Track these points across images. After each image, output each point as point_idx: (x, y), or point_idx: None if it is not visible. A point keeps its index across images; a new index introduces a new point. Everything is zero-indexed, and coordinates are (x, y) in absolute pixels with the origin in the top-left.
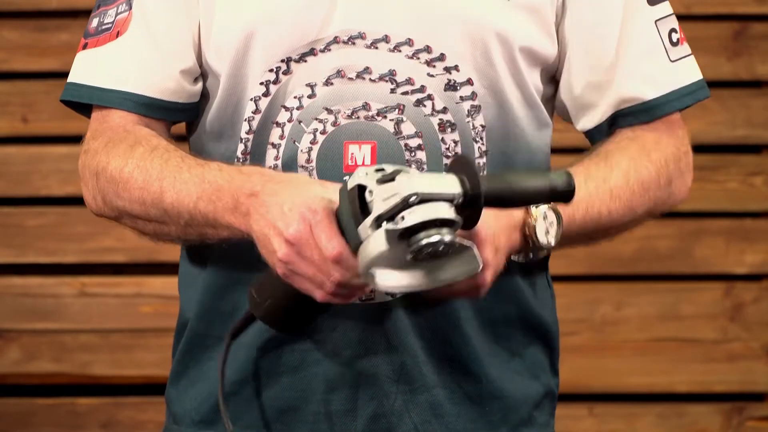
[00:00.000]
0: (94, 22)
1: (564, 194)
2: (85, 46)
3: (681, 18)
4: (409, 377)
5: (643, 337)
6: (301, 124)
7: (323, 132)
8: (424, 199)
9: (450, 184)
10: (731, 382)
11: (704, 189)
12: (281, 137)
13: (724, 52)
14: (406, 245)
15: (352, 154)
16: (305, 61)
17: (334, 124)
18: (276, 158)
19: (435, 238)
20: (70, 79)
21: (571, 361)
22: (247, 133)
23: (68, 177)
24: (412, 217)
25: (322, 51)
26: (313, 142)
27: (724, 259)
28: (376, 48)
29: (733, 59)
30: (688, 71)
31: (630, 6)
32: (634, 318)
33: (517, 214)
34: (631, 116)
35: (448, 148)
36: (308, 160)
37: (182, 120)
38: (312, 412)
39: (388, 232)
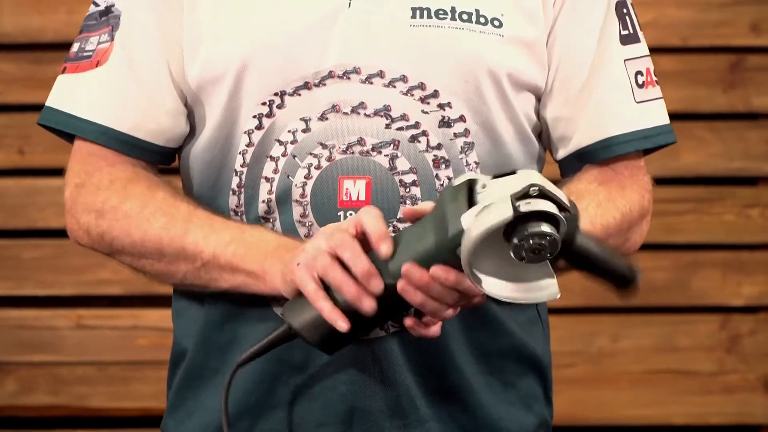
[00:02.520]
0: (75, 47)
1: (626, 282)
2: (64, 70)
3: (677, 50)
4: (403, 412)
5: (639, 369)
6: (296, 158)
7: (318, 167)
8: (542, 193)
9: (562, 194)
10: (728, 414)
11: (700, 221)
12: (275, 171)
13: (720, 84)
14: (514, 240)
15: (347, 189)
16: (299, 94)
17: (329, 159)
18: (269, 192)
19: (547, 229)
20: (48, 102)
21: (568, 393)
22: (242, 166)
23: (65, 209)
24: (532, 205)
25: (317, 85)
26: (308, 176)
27: (721, 291)
28: (371, 83)
29: (729, 91)
30: (652, 114)
31: (603, 43)
32: (630, 350)
33: None
34: (592, 153)
35: (442, 185)
36: (303, 195)
37: (159, 163)
38: None
39: (512, 200)
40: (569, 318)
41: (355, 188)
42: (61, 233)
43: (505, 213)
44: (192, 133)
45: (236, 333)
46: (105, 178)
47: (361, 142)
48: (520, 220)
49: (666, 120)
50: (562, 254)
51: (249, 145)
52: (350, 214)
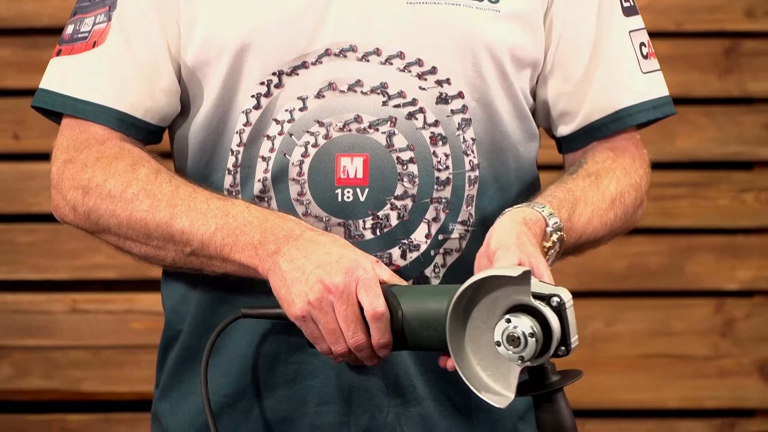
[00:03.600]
0: (69, 29)
1: None
2: (59, 53)
3: (672, 35)
4: (401, 390)
5: (634, 354)
6: (292, 137)
7: (315, 145)
8: (560, 312)
9: (573, 331)
10: (722, 398)
11: (695, 205)
12: (271, 150)
13: (715, 69)
14: (505, 315)
15: (344, 166)
16: (297, 74)
17: (326, 136)
18: (265, 171)
19: (534, 327)
20: (42, 85)
21: None
22: (238, 145)
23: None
24: (541, 305)
25: (314, 63)
26: (305, 155)
27: (715, 275)
28: (368, 61)
29: (724, 76)
30: (658, 85)
31: (605, 15)
32: (625, 334)
33: (537, 233)
34: (603, 127)
35: (439, 161)
36: (300, 173)
37: (152, 142)
38: (307, 424)
39: (532, 283)
40: None
41: (352, 166)
42: (56, 218)
43: (514, 272)
44: (187, 113)
45: (230, 315)
46: (92, 156)
47: (358, 119)
48: (520, 308)
49: (667, 91)
50: (533, 388)
51: (246, 124)
52: (348, 192)
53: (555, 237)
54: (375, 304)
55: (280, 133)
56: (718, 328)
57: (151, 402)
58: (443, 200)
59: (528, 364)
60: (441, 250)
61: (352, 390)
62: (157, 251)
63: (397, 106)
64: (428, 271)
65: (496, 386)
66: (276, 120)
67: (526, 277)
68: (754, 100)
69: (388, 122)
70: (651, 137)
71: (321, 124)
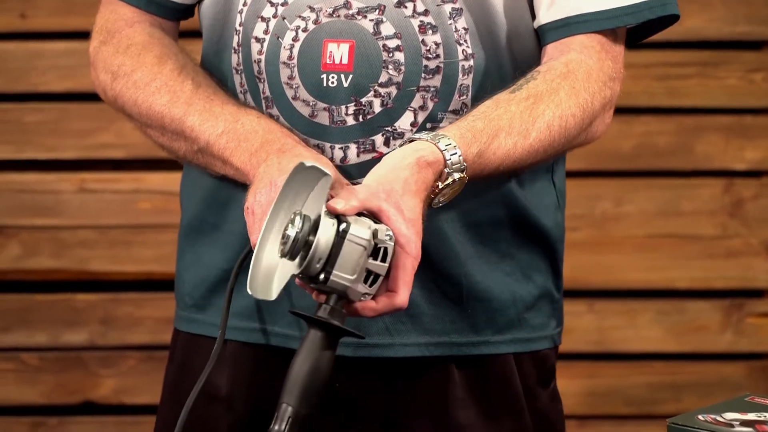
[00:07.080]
0: None
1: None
2: None
3: None
4: None
5: (642, 234)
6: (285, 20)
7: (305, 30)
8: (344, 235)
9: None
10: (731, 279)
11: (704, 85)
12: (266, 32)
13: None
14: (295, 215)
15: (331, 52)
16: None
17: (316, 22)
18: (260, 53)
19: (294, 232)
20: None
21: (571, 258)
22: (239, 25)
23: (67, 73)
24: (326, 220)
25: None
26: (295, 39)
27: (724, 155)
28: None
29: None
30: None
31: None
32: (633, 214)
33: (428, 177)
34: (562, 29)
35: (429, 50)
36: (290, 57)
37: (178, 19)
38: (290, 305)
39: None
40: (572, 182)
41: (338, 51)
42: (63, 97)
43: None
44: None
45: (233, 192)
46: (124, 41)
47: (347, 5)
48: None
49: None
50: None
51: (245, 4)
52: (332, 77)
53: (456, 176)
54: None
55: (275, 16)
56: (727, 208)
57: (157, 282)
58: (431, 89)
59: (291, 266)
60: None
61: None
62: (171, 143)
63: None
64: None
65: (269, 281)
66: (270, 2)
67: (316, 172)
68: None
69: (377, 10)
70: None
71: (312, 9)
